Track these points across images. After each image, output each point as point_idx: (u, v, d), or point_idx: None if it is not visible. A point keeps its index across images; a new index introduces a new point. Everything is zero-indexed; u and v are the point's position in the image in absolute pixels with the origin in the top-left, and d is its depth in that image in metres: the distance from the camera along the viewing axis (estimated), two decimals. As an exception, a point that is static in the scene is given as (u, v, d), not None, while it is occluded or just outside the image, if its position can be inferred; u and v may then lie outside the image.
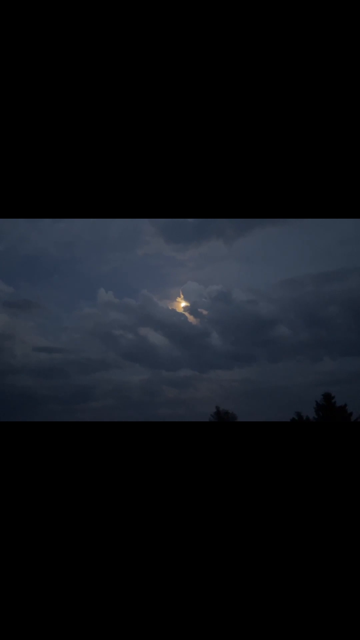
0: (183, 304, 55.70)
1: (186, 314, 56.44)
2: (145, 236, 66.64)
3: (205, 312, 55.24)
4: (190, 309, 57.45)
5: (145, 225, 57.77)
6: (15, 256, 64.76)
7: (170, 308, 57.85)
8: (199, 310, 55.49)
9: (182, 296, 56.55)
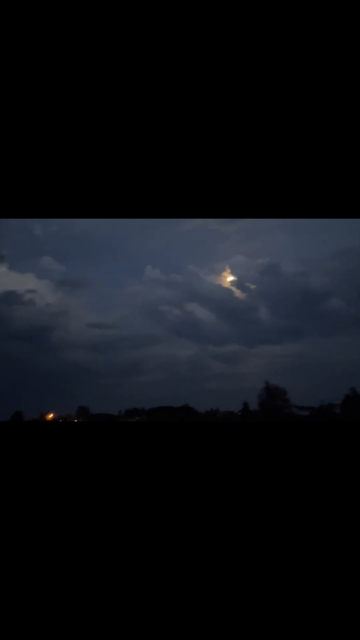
0: (230, 278, 54.48)
1: (233, 288, 55.32)
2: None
3: (252, 287, 53.95)
4: (237, 284, 55.97)
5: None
6: (66, 236, 63.93)
7: (216, 283, 56.54)
8: (246, 284, 54.17)
9: (228, 270, 55.41)
